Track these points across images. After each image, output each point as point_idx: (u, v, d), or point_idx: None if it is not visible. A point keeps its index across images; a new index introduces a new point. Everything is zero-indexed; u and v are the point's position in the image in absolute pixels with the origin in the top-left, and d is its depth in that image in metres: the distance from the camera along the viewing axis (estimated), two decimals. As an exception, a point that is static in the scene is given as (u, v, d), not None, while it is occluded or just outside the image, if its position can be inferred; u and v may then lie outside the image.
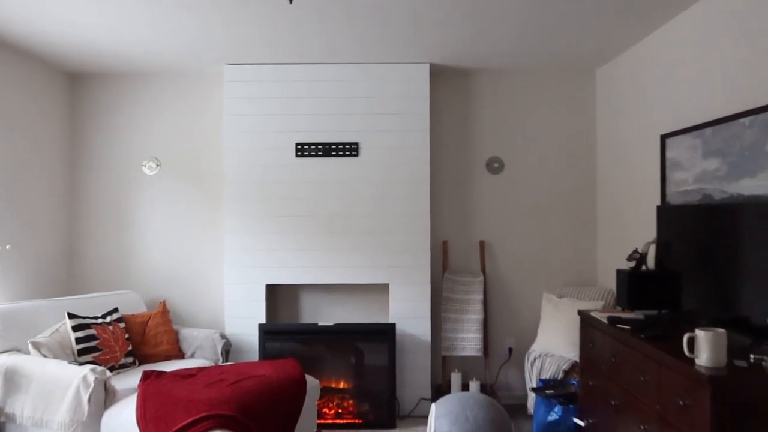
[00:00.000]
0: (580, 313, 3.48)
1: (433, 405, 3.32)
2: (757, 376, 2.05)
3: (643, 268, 3.28)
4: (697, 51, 3.21)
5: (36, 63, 4.31)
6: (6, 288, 3.97)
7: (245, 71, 4.38)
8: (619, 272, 3.17)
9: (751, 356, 2.21)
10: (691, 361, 2.22)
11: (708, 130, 3.05)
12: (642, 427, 2.58)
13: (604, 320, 3.12)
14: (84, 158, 4.74)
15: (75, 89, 4.74)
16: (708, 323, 2.65)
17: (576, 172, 4.69)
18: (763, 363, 2.13)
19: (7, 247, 3.93)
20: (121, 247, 4.72)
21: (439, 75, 4.67)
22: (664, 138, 3.52)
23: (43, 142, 4.39)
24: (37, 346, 3.45)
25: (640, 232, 3.88)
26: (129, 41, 3.87)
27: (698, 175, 3.14)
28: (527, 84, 4.70)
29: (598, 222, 4.66)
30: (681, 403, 2.22)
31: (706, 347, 2.17)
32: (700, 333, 2.20)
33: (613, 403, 2.95)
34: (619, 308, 3.63)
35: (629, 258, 3.28)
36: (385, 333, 4.17)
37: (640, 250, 3.36)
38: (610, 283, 4.34)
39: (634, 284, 3.07)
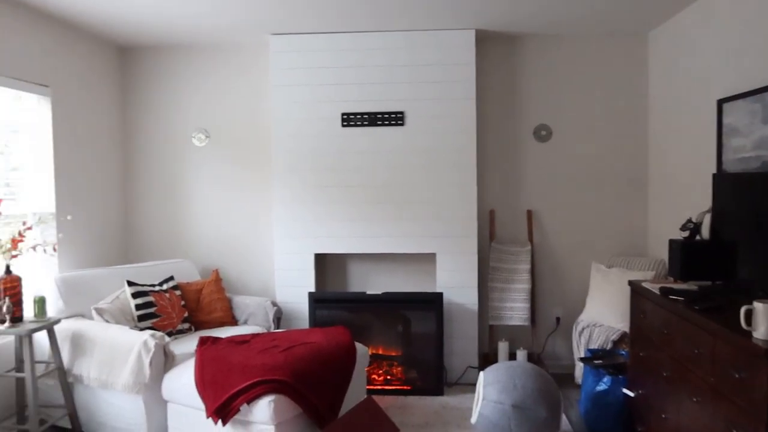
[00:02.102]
0: (631, 283, 3.43)
1: (482, 373, 3.36)
2: (819, 349, 2.00)
3: (697, 237, 3.20)
4: (756, 11, 3.05)
5: (87, 37, 4.42)
6: (69, 257, 4.17)
7: (291, 41, 4.39)
8: (671, 242, 3.10)
9: (813, 329, 2.15)
10: (748, 334, 2.17)
11: (770, 95, 2.92)
12: (694, 399, 2.55)
13: (656, 291, 3.07)
14: (136, 131, 4.87)
15: (125, 62, 4.85)
16: (764, 295, 2.58)
17: (627, 140, 4.57)
18: (826, 336, 2.07)
19: (69, 217, 4.10)
20: (175, 217, 4.87)
21: (485, 41, 4.58)
22: (720, 103, 3.39)
23: (96, 115, 4.53)
24: (100, 311, 3.63)
25: (694, 201, 3.77)
26: (177, 14, 3.93)
27: (757, 142, 3.02)
28: (576, 49, 4.57)
29: (649, 190, 4.55)
30: (737, 376, 2.19)
31: (764, 320, 2.12)
32: (758, 305, 2.15)
33: (664, 374, 2.92)
34: (671, 279, 3.57)
35: (683, 227, 3.20)
36: (432, 302, 4.21)
37: (694, 220, 3.28)
38: (662, 254, 4.26)
39: (688, 254, 3.00)
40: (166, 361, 3.39)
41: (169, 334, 3.79)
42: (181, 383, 3.19)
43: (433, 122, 4.35)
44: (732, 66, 3.33)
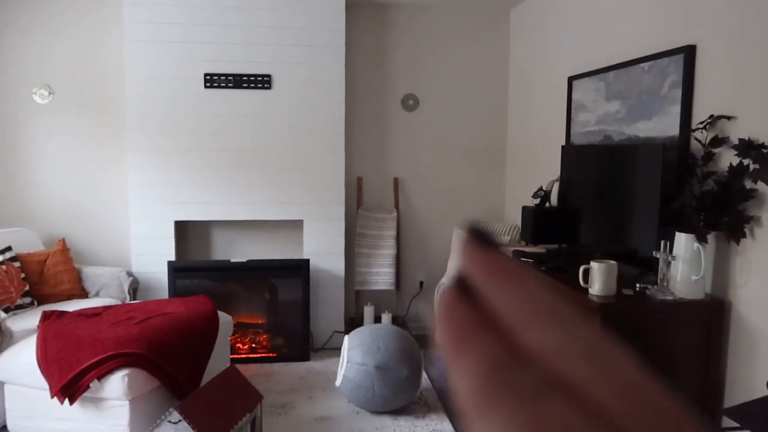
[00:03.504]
0: (488, 247, 3.62)
1: (346, 337, 3.41)
2: (641, 302, 2.24)
3: (547, 204, 3.44)
4: (605, -6, 3.30)
5: None
6: None
7: (147, -7, 4.06)
8: (524, 209, 3.31)
9: (637, 285, 2.40)
10: (586, 291, 2.38)
11: (611, 74, 3.17)
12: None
13: (510, 254, 3.28)
14: (-36, 83, 4.29)
15: (-51, 5, 4.24)
16: (602, 256, 2.84)
17: (488, 111, 4.78)
18: (647, 291, 2.33)
19: None
20: (12, 182, 4.38)
21: (355, 8, 4.53)
22: (571, 80, 3.64)
23: None
24: None
25: (547, 171, 4.04)
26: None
27: (600, 117, 3.28)
28: (444, 21, 4.67)
29: (507, 160, 4.81)
30: (574, 329, 2.40)
31: (598, 278, 2.33)
32: (594, 265, 2.36)
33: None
34: (523, 243, 3.82)
35: (534, 195, 3.43)
36: (299, 268, 4.19)
37: (544, 188, 3.52)
38: (517, 220, 4.53)
39: (538, 220, 3.22)
40: (2, 339, 3.08)
41: (7, 310, 3.44)
42: (20, 362, 2.91)
43: (301, 87, 4.26)
44: (581, 45, 3.57)
